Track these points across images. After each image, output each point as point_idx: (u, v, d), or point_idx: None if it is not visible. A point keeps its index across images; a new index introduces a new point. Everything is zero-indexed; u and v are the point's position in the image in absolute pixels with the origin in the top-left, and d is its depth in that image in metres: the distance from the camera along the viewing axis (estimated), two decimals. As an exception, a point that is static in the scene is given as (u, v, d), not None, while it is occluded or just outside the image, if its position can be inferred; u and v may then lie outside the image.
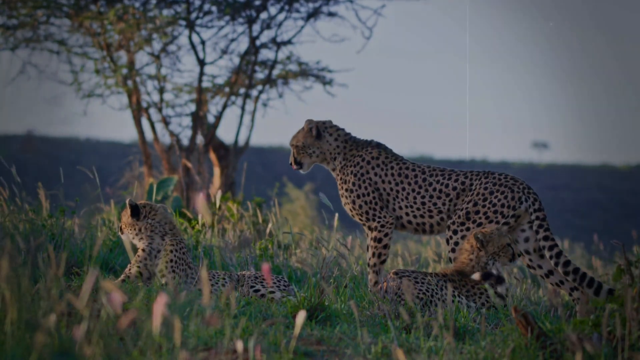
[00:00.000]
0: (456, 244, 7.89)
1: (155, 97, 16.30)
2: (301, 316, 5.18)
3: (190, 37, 16.22)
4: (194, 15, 16.16)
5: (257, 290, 7.70)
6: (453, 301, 7.53)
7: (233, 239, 10.48)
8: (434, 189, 8.01)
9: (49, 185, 10.07)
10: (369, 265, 8.10)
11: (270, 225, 10.64)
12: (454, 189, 7.99)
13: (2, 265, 4.90)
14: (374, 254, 8.06)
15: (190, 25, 16.13)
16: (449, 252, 7.93)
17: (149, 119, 16.24)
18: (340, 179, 8.15)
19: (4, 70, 16.05)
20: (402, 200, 8.04)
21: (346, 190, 8.11)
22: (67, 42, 16.13)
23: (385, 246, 8.09)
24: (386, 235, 8.07)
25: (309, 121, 8.22)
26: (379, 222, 8.05)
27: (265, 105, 16.81)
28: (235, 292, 7.64)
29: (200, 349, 5.58)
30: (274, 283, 7.80)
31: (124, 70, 15.93)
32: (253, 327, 6.11)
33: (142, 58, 16.38)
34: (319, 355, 5.78)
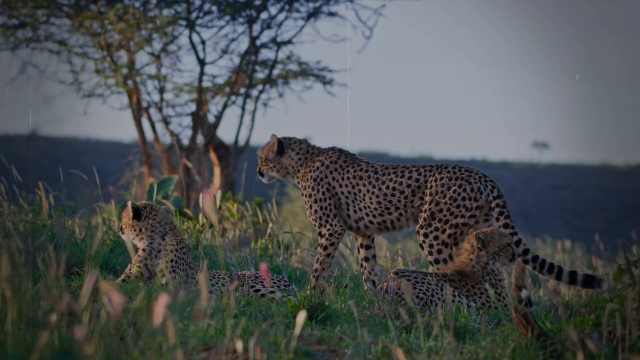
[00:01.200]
0: (431, 246, 7.88)
1: (156, 97, 16.31)
2: (301, 316, 5.18)
3: (190, 37, 16.22)
4: (194, 15, 16.16)
5: (257, 290, 7.71)
6: (453, 301, 7.53)
7: (234, 239, 10.49)
8: (387, 187, 8.03)
9: (49, 185, 10.07)
10: (313, 270, 8.15)
11: (270, 225, 10.64)
12: (409, 186, 8.01)
13: (2, 265, 4.90)
14: (317, 260, 8.12)
15: (191, 25, 16.14)
16: (426, 255, 7.92)
17: (149, 118, 16.24)
18: (302, 186, 8.22)
19: (4, 70, 16.05)
20: (360, 202, 8.08)
21: (305, 195, 8.19)
22: (67, 42, 16.13)
23: (329, 255, 8.13)
24: (332, 244, 8.11)
25: (273, 136, 8.31)
26: (328, 230, 8.10)
27: (265, 105, 16.81)
28: (235, 291, 7.65)
29: (201, 348, 5.59)
30: (274, 283, 7.81)
31: (124, 70, 15.93)
32: (253, 327, 6.11)
33: (142, 58, 16.39)
34: (320, 355, 5.78)
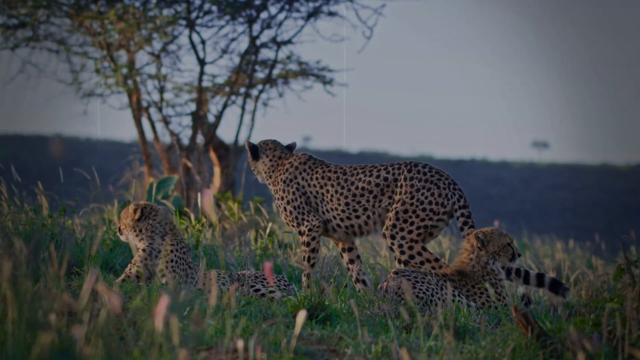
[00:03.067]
0: (400, 245, 7.92)
1: (156, 97, 16.31)
2: (301, 316, 5.19)
3: (190, 37, 16.22)
4: (194, 14, 16.16)
5: (257, 290, 7.71)
6: (453, 301, 7.53)
7: (230, 232, 10.49)
8: (357, 187, 8.08)
9: (49, 185, 10.07)
10: (303, 269, 8.22)
11: (270, 224, 10.65)
12: (377, 185, 8.04)
13: (3, 265, 4.90)
14: (304, 258, 8.17)
15: (191, 25, 16.13)
16: (398, 256, 7.93)
17: (149, 118, 16.23)
18: (274, 190, 8.32)
19: (3, 70, 16.04)
20: (328, 203, 8.14)
21: (278, 198, 8.31)
22: (67, 41, 16.12)
23: (314, 250, 8.19)
24: (313, 239, 8.16)
25: (246, 143, 8.45)
26: (306, 226, 8.16)
27: (265, 104, 16.80)
28: (235, 291, 7.65)
29: (201, 348, 5.59)
30: (274, 283, 7.81)
31: (124, 70, 15.93)
32: (253, 326, 6.11)
33: (142, 57, 16.38)
34: (320, 354, 5.78)
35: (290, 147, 8.50)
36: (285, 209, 8.23)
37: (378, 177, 8.03)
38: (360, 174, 8.08)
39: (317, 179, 8.17)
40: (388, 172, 8.01)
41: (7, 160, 9.71)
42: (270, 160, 8.39)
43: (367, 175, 8.07)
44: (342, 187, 8.09)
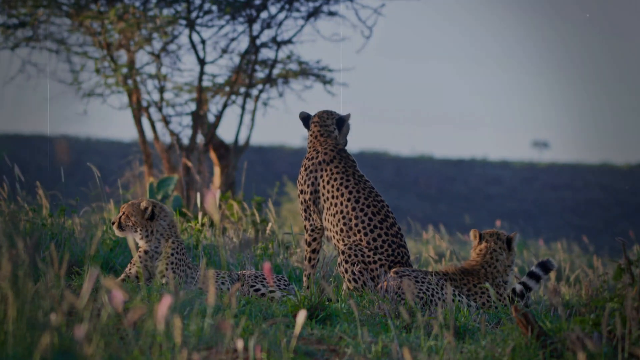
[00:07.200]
0: (348, 272, 7.86)
1: (156, 97, 16.31)
2: (301, 315, 5.19)
3: (190, 37, 16.23)
4: (194, 14, 16.16)
5: (257, 290, 7.71)
6: (453, 300, 7.53)
7: (234, 237, 10.49)
8: (356, 225, 7.87)
9: (49, 184, 10.07)
10: (304, 268, 8.13)
11: (270, 224, 10.65)
12: (372, 231, 7.85)
13: (3, 265, 4.91)
14: (305, 258, 8.10)
15: (191, 25, 16.14)
16: (345, 279, 7.88)
17: (149, 118, 16.24)
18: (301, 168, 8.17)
19: (3, 70, 16.04)
20: (330, 216, 7.96)
21: (298, 180, 8.10)
22: (67, 41, 16.13)
23: (314, 250, 8.06)
24: (314, 239, 8.04)
25: (300, 114, 8.22)
26: (311, 225, 8.04)
27: (265, 104, 16.80)
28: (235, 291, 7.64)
29: (201, 348, 5.59)
30: (274, 282, 7.81)
31: (124, 70, 15.93)
32: (253, 326, 6.11)
33: (142, 57, 16.38)
34: (320, 354, 5.79)
35: (342, 120, 8.13)
36: (299, 195, 8.08)
37: (373, 236, 7.90)
38: (365, 217, 7.85)
39: (332, 186, 7.93)
40: (386, 233, 7.87)
41: (6, 159, 9.71)
42: (311, 135, 8.12)
43: (369, 226, 7.83)
44: (346, 215, 7.87)
